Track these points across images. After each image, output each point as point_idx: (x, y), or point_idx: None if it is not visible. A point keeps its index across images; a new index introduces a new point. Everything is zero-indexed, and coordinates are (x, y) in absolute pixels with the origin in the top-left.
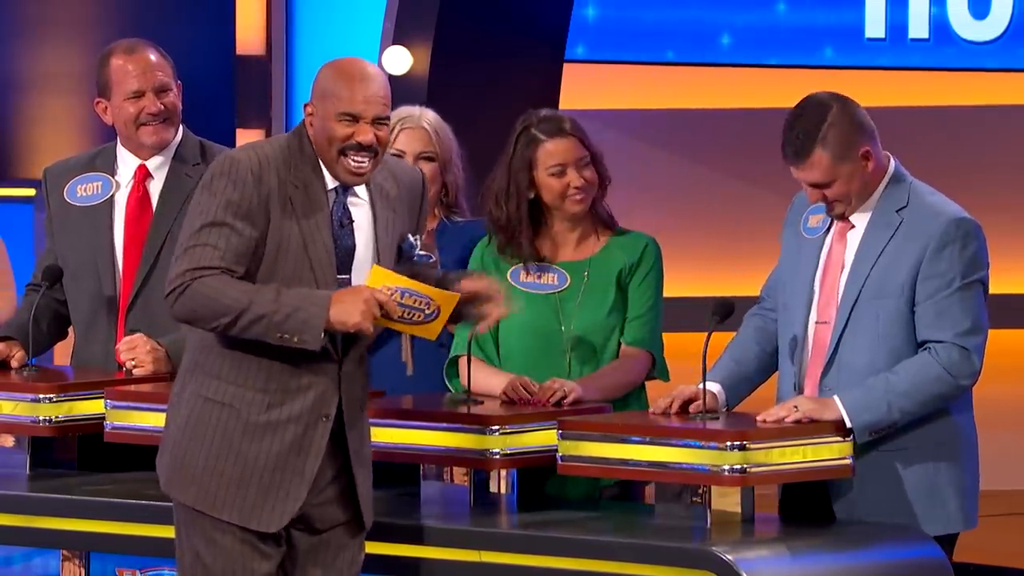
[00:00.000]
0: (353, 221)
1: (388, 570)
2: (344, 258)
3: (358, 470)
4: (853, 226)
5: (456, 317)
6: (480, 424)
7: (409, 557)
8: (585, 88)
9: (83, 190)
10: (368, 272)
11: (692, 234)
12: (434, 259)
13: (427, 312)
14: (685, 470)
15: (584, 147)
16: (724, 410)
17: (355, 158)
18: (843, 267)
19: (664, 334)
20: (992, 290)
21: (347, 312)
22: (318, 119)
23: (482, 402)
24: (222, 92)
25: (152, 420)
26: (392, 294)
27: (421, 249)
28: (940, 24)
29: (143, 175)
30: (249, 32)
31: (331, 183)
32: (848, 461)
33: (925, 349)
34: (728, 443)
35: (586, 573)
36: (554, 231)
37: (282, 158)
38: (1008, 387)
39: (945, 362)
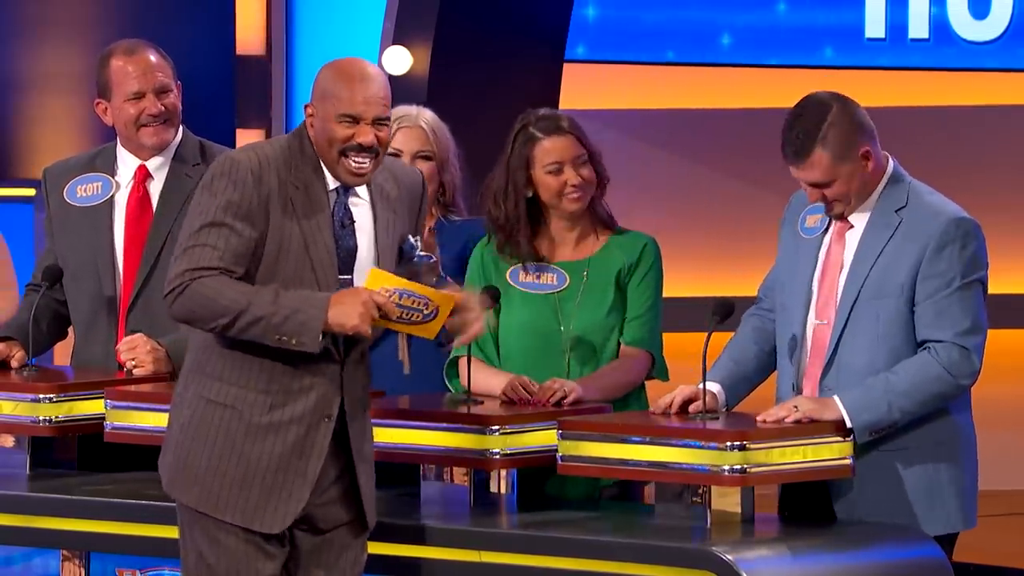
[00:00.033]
0: (354, 221)
1: (388, 570)
2: (346, 259)
3: (361, 470)
4: (852, 226)
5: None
6: (480, 424)
7: (409, 557)
8: (585, 88)
9: (83, 190)
10: (366, 274)
11: (692, 234)
12: (434, 259)
13: (425, 312)
14: (685, 470)
15: (581, 145)
16: (724, 410)
17: (356, 159)
18: (842, 267)
19: (664, 334)
20: (992, 290)
21: (345, 314)
22: (318, 120)
23: (482, 402)
24: (222, 92)
25: (152, 420)
26: (390, 296)
27: (422, 249)
28: (940, 24)
29: (143, 175)
30: (249, 32)
31: (332, 183)
32: (848, 461)
33: (925, 349)
34: (728, 443)
35: (586, 573)
36: (553, 230)
37: (283, 159)
38: (1008, 387)
39: (945, 362)
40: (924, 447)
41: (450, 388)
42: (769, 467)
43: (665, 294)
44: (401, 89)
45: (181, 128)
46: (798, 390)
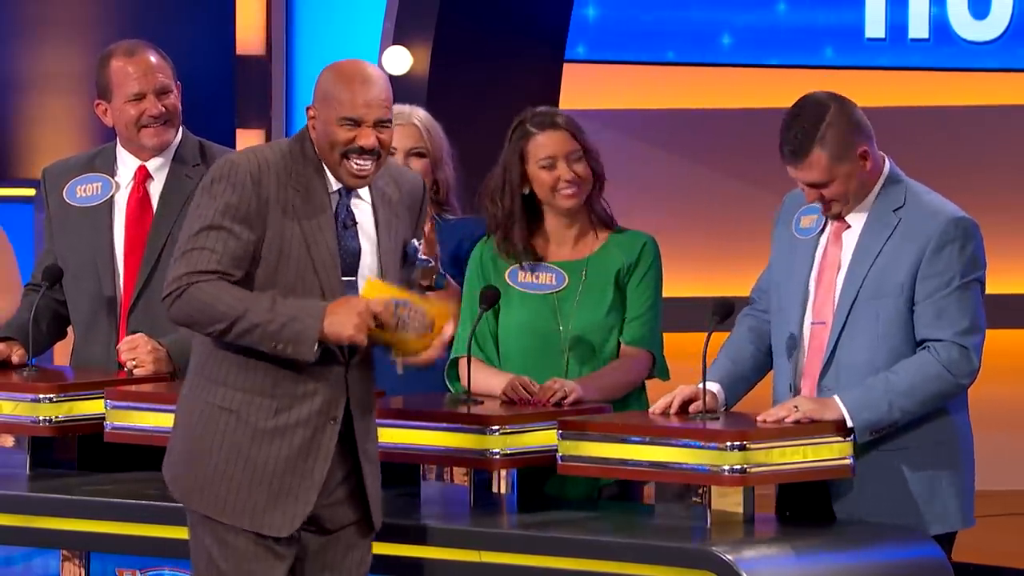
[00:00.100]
0: (357, 223)
1: (388, 570)
2: (350, 260)
3: (367, 471)
4: (849, 226)
5: None
6: (480, 424)
7: (409, 557)
8: (585, 88)
9: (83, 191)
10: (364, 284)
11: (692, 234)
12: (433, 263)
13: (421, 323)
14: (685, 470)
15: (576, 141)
16: (723, 410)
17: (357, 161)
18: (839, 267)
19: (664, 334)
20: (991, 290)
21: (341, 324)
22: (320, 123)
23: (482, 402)
24: (222, 92)
25: (152, 420)
26: (387, 306)
27: (424, 252)
28: (940, 24)
29: (143, 176)
30: (249, 32)
31: (334, 185)
32: (848, 461)
33: (924, 348)
34: (728, 443)
35: (586, 573)
36: (552, 230)
37: (283, 162)
38: (1007, 387)
39: (945, 361)
40: (924, 447)
41: (450, 389)
42: (769, 467)
43: (665, 294)
44: (401, 89)
45: (181, 129)
46: (796, 390)
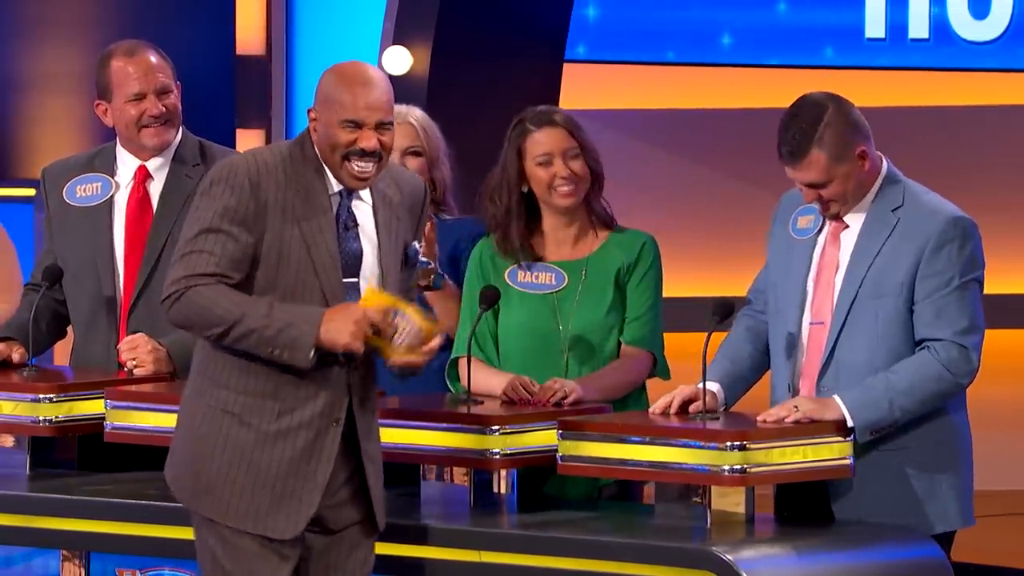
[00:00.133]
0: (358, 224)
1: (388, 570)
2: (351, 261)
3: (370, 471)
4: (847, 226)
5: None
6: (480, 424)
7: (409, 557)
8: (585, 88)
9: (82, 191)
10: (364, 291)
11: (692, 234)
12: (433, 265)
13: (415, 336)
14: (685, 470)
15: (573, 138)
16: (723, 409)
17: (359, 163)
18: (838, 267)
19: (664, 334)
20: (991, 290)
21: (338, 331)
22: (321, 125)
23: (482, 402)
24: (222, 92)
25: (152, 420)
26: (386, 315)
27: (424, 254)
28: (940, 24)
29: (143, 176)
30: (249, 32)
31: (335, 187)
32: (848, 461)
33: (923, 348)
34: (728, 443)
35: (586, 573)
36: (551, 229)
37: (282, 164)
38: (1006, 387)
39: (945, 360)
40: (924, 447)
41: (451, 388)
42: (769, 467)
43: (665, 294)
44: (401, 89)
45: (181, 129)
46: (794, 391)
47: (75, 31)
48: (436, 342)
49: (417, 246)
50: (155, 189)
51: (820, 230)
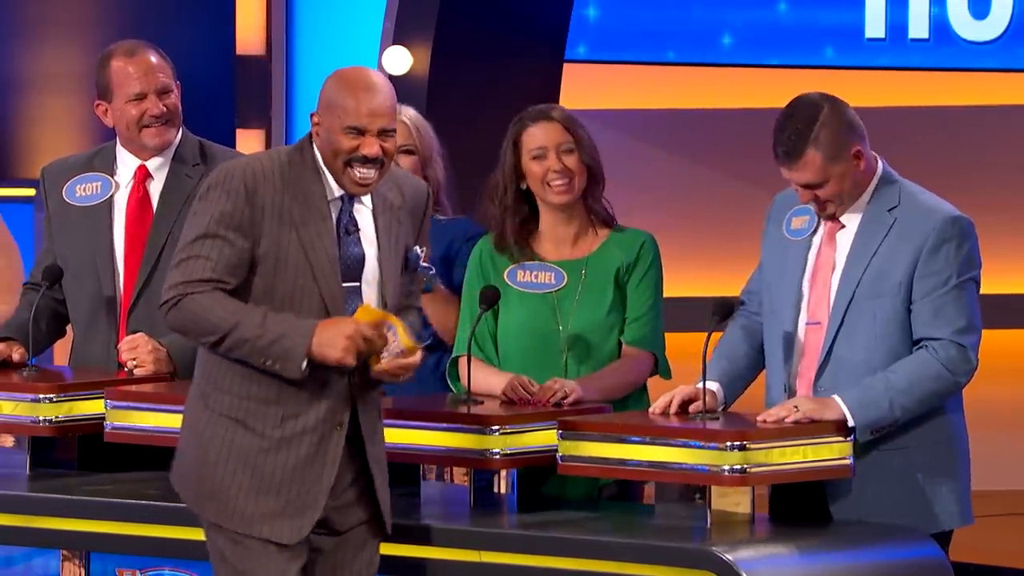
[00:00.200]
0: (360, 229)
1: (388, 570)
2: (354, 266)
3: (375, 471)
4: (843, 226)
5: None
6: (480, 424)
7: (409, 557)
8: (585, 88)
9: (82, 190)
10: (358, 308)
11: (692, 234)
12: (434, 270)
13: (399, 353)
14: (685, 470)
15: (568, 133)
16: (722, 408)
17: (360, 170)
18: (834, 268)
19: (665, 334)
20: (991, 290)
21: (329, 346)
22: (324, 130)
23: (482, 402)
24: (222, 92)
25: (152, 420)
26: (379, 328)
27: (423, 260)
28: (940, 24)
29: (143, 176)
30: (249, 32)
31: (336, 192)
32: (848, 461)
33: (922, 347)
34: (728, 443)
35: (586, 573)
36: (551, 229)
37: (280, 170)
38: (1006, 388)
39: (944, 359)
40: (923, 446)
41: (452, 388)
42: (769, 467)
43: (665, 294)
44: (401, 89)
45: (181, 128)
46: (790, 391)
47: (75, 31)
48: (416, 359)
49: (418, 250)
50: (155, 189)
51: (815, 231)
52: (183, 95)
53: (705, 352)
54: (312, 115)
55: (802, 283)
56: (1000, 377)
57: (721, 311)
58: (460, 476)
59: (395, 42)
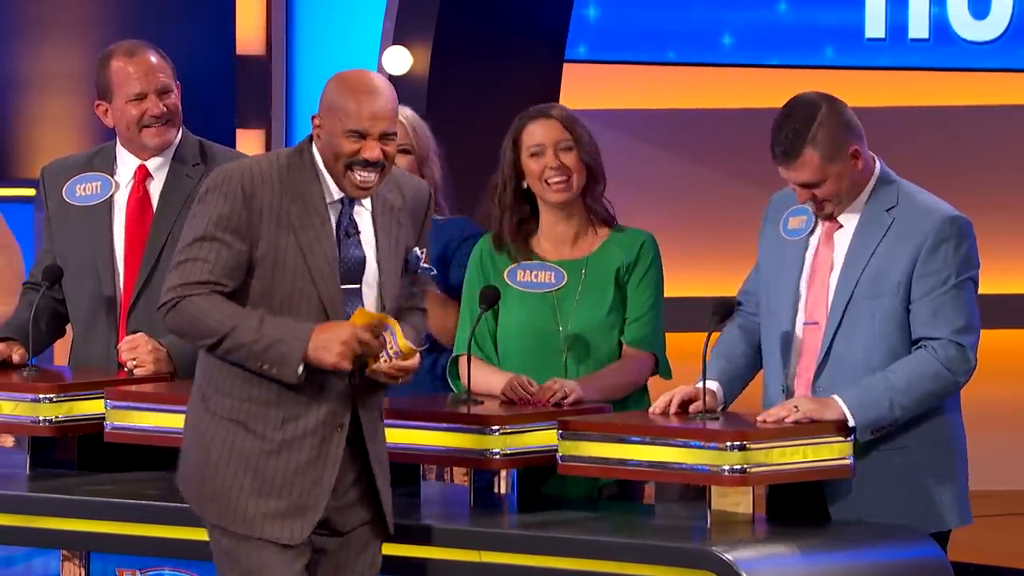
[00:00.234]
0: (359, 232)
1: (388, 570)
2: (354, 268)
3: (377, 472)
4: (841, 226)
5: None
6: (480, 424)
7: (409, 557)
8: (585, 88)
9: (82, 190)
10: (354, 312)
11: (692, 234)
12: (434, 271)
13: (398, 356)
14: (685, 470)
15: (567, 131)
16: (722, 407)
17: (361, 173)
18: (832, 268)
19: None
20: (991, 290)
21: (325, 350)
22: (325, 133)
23: (482, 402)
24: (222, 92)
25: (152, 420)
26: (375, 331)
27: (424, 261)
28: (940, 24)
29: (143, 175)
30: (249, 32)
31: (336, 194)
32: (848, 461)
33: (921, 346)
34: (728, 443)
35: (586, 573)
36: (551, 228)
37: (279, 173)
38: (1006, 388)
39: (943, 359)
40: (922, 446)
41: (452, 388)
42: (769, 467)
43: (665, 294)
44: (401, 89)
45: (181, 128)
46: (788, 391)
47: (75, 31)
48: (415, 361)
49: (418, 252)
50: (155, 189)
51: (812, 231)
52: (183, 95)
53: (705, 352)
54: (313, 117)
55: (799, 283)
56: (1000, 377)
57: (721, 311)
58: (460, 476)
59: (395, 42)
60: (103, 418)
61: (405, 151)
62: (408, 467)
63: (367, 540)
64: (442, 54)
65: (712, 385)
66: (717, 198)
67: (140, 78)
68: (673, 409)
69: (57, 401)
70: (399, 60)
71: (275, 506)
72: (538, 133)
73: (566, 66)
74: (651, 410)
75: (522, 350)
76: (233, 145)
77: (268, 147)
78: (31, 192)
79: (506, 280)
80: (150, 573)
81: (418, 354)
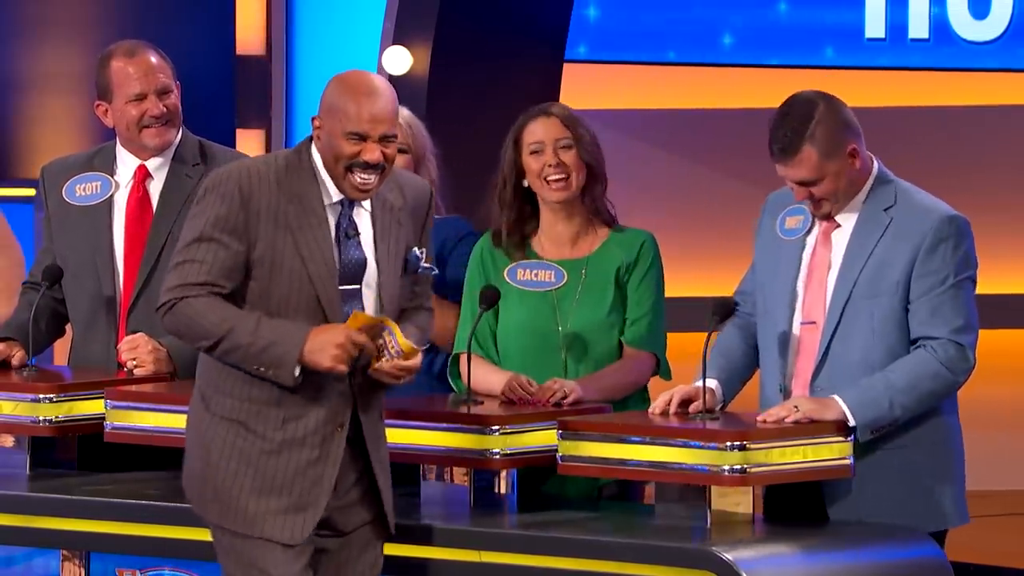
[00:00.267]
0: (360, 233)
1: (388, 570)
2: (355, 269)
3: (379, 472)
4: (839, 226)
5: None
6: (480, 424)
7: (409, 557)
8: (585, 88)
9: (82, 190)
10: (350, 316)
11: (692, 234)
12: (435, 270)
13: (399, 356)
14: (685, 470)
15: (567, 129)
16: (721, 405)
17: (361, 175)
18: (829, 267)
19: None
20: (990, 290)
21: (320, 354)
22: (325, 134)
23: (482, 402)
24: (222, 92)
25: (152, 420)
26: (372, 332)
27: (426, 261)
28: (940, 24)
29: (143, 175)
30: (249, 32)
31: (336, 196)
32: (848, 461)
33: (920, 346)
34: (728, 443)
35: (586, 573)
36: (551, 227)
37: (277, 174)
38: (1007, 387)
39: (942, 358)
40: (921, 446)
41: (453, 387)
42: (769, 467)
43: (665, 294)
44: (401, 89)
45: (181, 128)
46: (786, 391)
47: (75, 31)
48: (416, 361)
49: (418, 252)
50: (155, 188)
51: (809, 230)
52: (183, 95)
53: (705, 352)
54: (313, 119)
55: (797, 283)
56: (999, 377)
57: (721, 311)
58: (460, 476)
59: (395, 42)
60: (103, 418)
61: (401, 151)
62: (408, 467)
63: (368, 540)
64: (442, 54)
65: (711, 384)
66: (717, 198)
67: (140, 78)
68: (673, 408)
69: (57, 401)
70: (399, 60)
71: (276, 505)
72: (538, 131)
73: (566, 66)
74: (651, 410)
75: (522, 349)
76: (233, 145)
77: (268, 147)
78: (31, 192)
79: (506, 279)
80: (150, 573)
81: (420, 353)
